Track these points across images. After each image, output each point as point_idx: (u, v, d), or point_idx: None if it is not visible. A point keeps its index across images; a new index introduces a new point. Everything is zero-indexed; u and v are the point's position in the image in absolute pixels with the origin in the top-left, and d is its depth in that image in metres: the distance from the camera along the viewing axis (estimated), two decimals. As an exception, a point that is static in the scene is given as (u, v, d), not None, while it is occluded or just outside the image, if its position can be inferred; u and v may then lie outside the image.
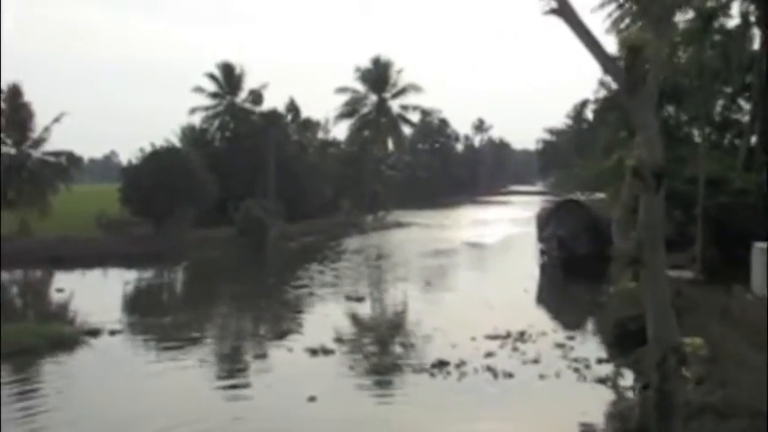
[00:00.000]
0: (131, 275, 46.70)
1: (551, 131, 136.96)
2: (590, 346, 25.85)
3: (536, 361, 23.30)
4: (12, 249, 53.48)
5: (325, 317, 31.46)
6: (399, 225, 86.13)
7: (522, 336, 26.69)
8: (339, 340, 26.78)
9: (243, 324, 32.09)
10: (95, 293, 41.16)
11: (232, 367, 24.75)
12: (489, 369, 22.21)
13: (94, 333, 28.05)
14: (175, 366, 24.00)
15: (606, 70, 14.36)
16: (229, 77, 79.12)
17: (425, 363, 22.89)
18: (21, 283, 47.87)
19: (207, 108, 79.12)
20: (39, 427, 18.34)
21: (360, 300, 35.93)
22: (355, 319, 32.23)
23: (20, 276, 49.15)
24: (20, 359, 24.42)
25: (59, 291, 40.73)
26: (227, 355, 26.43)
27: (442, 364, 22.65)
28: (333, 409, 19.28)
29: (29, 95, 62.02)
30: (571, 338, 26.50)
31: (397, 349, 25.57)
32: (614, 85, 35.99)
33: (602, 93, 38.27)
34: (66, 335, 27.11)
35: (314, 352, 24.72)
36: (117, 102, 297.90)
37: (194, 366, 23.91)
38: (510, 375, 21.69)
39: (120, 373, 23.27)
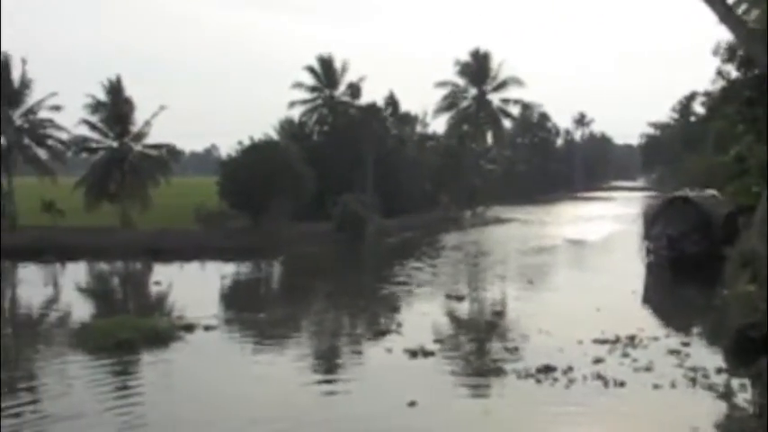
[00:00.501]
0: (228, 269, 46.51)
1: (655, 125, 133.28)
2: (706, 353, 24.07)
3: (648, 369, 21.70)
4: (113, 241, 54.28)
5: (424, 316, 30.36)
6: (498, 221, 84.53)
7: (632, 340, 25.10)
8: (439, 341, 25.70)
9: (340, 322, 31.17)
10: (192, 287, 41.04)
11: (329, 367, 23.84)
12: (599, 377, 20.75)
13: (189, 328, 27.54)
14: (271, 365, 23.31)
15: (749, 50, 12.94)
16: (328, 71, 78.83)
17: (530, 367, 21.59)
18: (121, 274, 48.25)
19: (305, 101, 79.04)
20: (138, 423, 17.95)
21: (460, 298, 34.75)
22: (455, 318, 31.12)
23: (120, 268, 49.56)
24: (115, 353, 24.12)
25: (156, 284, 40.72)
26: (324, 354, 25.57)
27: (548, 370, 21.32)
28: (433, 416, 18.18)
29: (131, 90, 62.87)
30: (686, 345, 24.76)
31: (500, 352, 24.28)
32: (734, 75, 34.32)
33: (719, 84, 35.97)
34: (160, 329, 26.61)
35: (413, 353, 23.65)
36: (219, 96, 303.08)
37: (290, 366, 23.18)
38: (621, 384, 20.20)
39: (213, 371, 22.67)
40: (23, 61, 61.68)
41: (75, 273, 47.43)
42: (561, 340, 24.73)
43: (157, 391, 20.52)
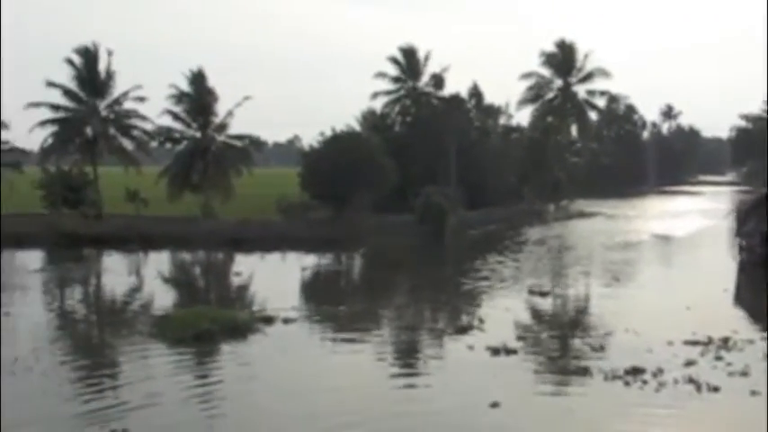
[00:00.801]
0: (309, 260, 46.33)
1: (747, 118, 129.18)
2: (808, 358, 22.87)
3: (745, 373, 20.59)
4: (195, 231, 54.67)
5: (507, 312, 29.62)
6: (582, 215, 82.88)
7: (725, 343, 23.96)
8: (522, 338, 25.00)
9: (421, 316, 30.49)
10: (272, 278, 40.90)
11: (410, 364, 23.32)
12: (691, 380, 19.77)
13: (269, 320, 27.33)
14: (350, 360, 22.96)
15: None
16: (411, 61, 78.11)
17: (618, 368, 20.71)
18: (202, 264, 48.51)
19: (388, 92, 78.47)
20: (216, 413, 17.90)
21: (543, 294, 33.82)
22: (538, 315, 30.29)
23: (202, 258, 49.85)
24: (193, 344, 24.02)
25: (237, 274, 40.73)
26: (405, 349, 25.05)
27: (636, 371, 20.42)
28: (517, 419, 17.54)
29: (214, 81, 63.14)
30: (785, 348, 23.59)
31: (586, 351, 23.42)
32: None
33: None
34: (240, 321, 26.44)
35: (495, 351, 22.96)
36: (302, 87, 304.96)
37: (370, 361, 22.79)
38: (715, 389, 19.20)
39: (292, 363, 22.42)
40: (109, 53, 62.52)
41: (158, 262, 47.89)
42: (649, 340, 23.79)
43: (235, 383, 20.34)
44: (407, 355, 24.35)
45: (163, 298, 34.10)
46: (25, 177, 66.91)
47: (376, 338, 25.82)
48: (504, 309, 30.27)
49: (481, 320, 27.62)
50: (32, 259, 48.22)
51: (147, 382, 20.13)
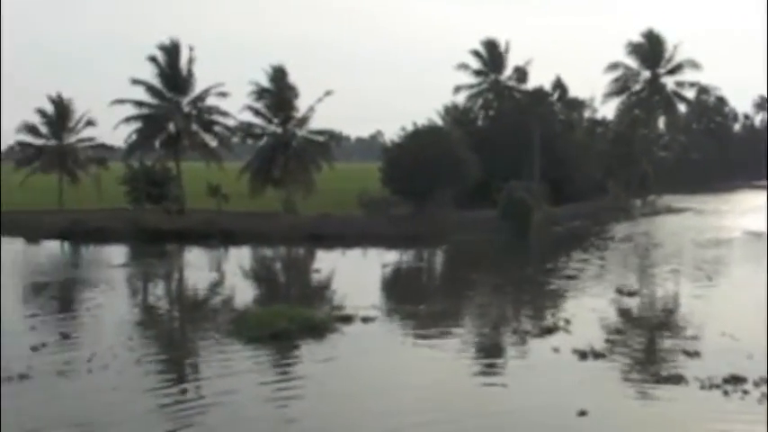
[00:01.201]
0: (389, 257, 45.65)
1: None
2: None
3: None
4: (276, 227, 54.46)
5: (593, 312, 28.39)
6: (671, 210, 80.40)
7: (833, 348, 22.46)
8: (610, 341, 23.80)
9: (504, 316, 29.38)
10: (352, 275, 40.25)
11: (493, 364, 22.38)
12: (799, 391, 18.42)
13: (347, 319, 26.64)
14: (431, 360, 22.09)
15: None
16: (493, 55, 76.93)
17: (715, 376, 19.39)
18: (282, 260, 48.21)
19: (471, 86, 77.43)
20: (292, 415, 17.33)
21: (631, 294, 32.41)
22: (627, 316, 28.95)
23: (282, 254, 49.57)
24: (270, 343, 23.49)
25: (316, 271, 40.24)
26: (488, 350, 24.08)
27: (736, 380, 19.08)
28: (606, 428, 16.49)
29: (296, 77, 63.04)
30: None
31: (679, 356, 22.11)
32: None
33: None
34: (317, 320, 25.82)
35: (583, 354, 21.85)
36: (385, 82, 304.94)
37: (452, 361, 21.92)
38: (827, 401, 17.83)
39: (370, 364, 21.75)
40: (191, 49, 62.81)
41: (239, 257, 47.78)
42: (749, 345, 22.36)
43: (310, 383, 19.69)
44: (490, 356, 23.41)
45: (242, 294, 33.80)
46: (110, 173, 67.98)
47: (457, 338, 24.85)
48: (590, 309, 29.02)
49: (567, 321, 26.44)
50: (116, 254, 48.54)
51: (224, 380, 19.73)
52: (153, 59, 61.89)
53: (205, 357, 22.70)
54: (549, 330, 25.24)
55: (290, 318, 25.29)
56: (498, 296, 33.51)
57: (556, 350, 22.50)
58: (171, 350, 24.12)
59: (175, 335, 26.47)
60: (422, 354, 23.02)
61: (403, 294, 34.54)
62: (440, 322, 27.18)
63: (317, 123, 63.78)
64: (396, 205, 60.13)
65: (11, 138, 68.50)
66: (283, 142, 62.22)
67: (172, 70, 62.16)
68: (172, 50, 62.11)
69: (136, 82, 61.83)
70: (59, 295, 34.88)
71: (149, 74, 62.28)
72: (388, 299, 33.33)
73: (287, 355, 22.92)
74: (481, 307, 30.94)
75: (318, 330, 25.01)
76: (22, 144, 69.88)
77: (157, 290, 37.59)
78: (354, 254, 49.04)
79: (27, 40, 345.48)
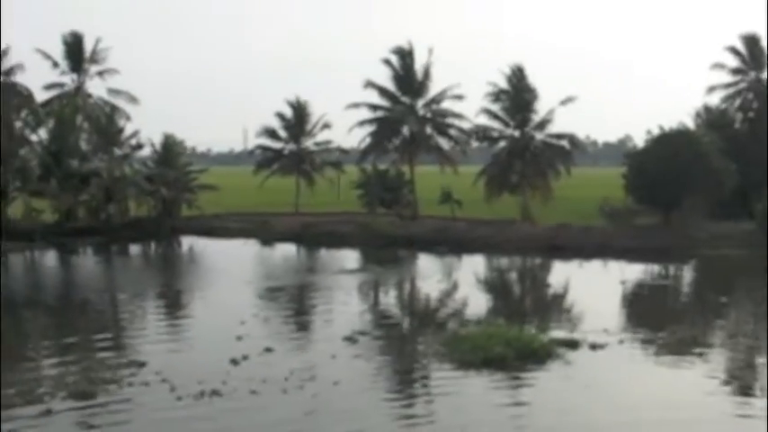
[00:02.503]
0: (630, 271, 41.43)
1: None
2: None
3: None
4: (509, 235, 51.89)
5: None
6: None
7: None
8: None
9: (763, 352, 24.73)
10: (585, 291, 36.35)
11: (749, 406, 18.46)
12: None
13: (573, 344, 23.42)
14: (671, 407, 18.18)
15: None
16: (754, 51, 70.14)
17: None
18: (514, 272, 45.34)
19: (727, 86, 71.04)
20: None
21: None
22: None
23: (515, 264, 46.78)
24: (482, 369, 20.87)
25: (546, 286, 37.14)
26: (742, 390, 20.00)
27: None
28: None
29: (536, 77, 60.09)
30: None
31: None
32: None
33: None
34: (538, 344, 22.78)
35: None
36: (634, 84, 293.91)
37: (700, 399, 18.28)
38: None
39: (592, 403, 18.56)
40: (430, 51, 61.51)
41: (470, 266, 45.68)
42: None
43: (522, 421, 17.10)
44: (744, 393, 19.43)
45: (467, 309, 31.48)
46: (346, 176, 68.13)
47: (704, 376, 20.97)
48: None
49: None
50: (348, 259, 47.83)
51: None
52: (387, 62, 61.13)
53: (405, 387, 20.39)
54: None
55: (508, 341, 22.52)
56: (759, 326, 28.48)
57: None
58: (377, 373, 21.79)
59: (386, 354, 24.09)
60: (656, 394, 19.32)
61: (641, 317, 30.42)
62: (682, 355, 23.19)
63: (557, 127, 60.62)
64: (640, 215, 55.63)
65: (252, 141, 70.20)
66: (521, 146, 59.41)
67: (406, 72, 61.13)
68: (406, 53, 61.07)
69: (369, 85, 61.24)
70: (285, 302, 34.18)
71: (383, 77, 61.63)
72: (624, 321, 29.48)
73: (498, 386, 20.11)
74: (735, 337, 26.26)
75: (538, 357, 22.05)
76: (261, 147, 71.23)
77: (384, 300, 35.74)
78: (592, 267, 45.28)
79: (264, 47, 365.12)
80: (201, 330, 27.42)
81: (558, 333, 24.90)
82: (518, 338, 22.81)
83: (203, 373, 20.27)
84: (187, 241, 59.30)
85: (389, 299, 36.09)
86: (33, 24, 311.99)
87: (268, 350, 23.22)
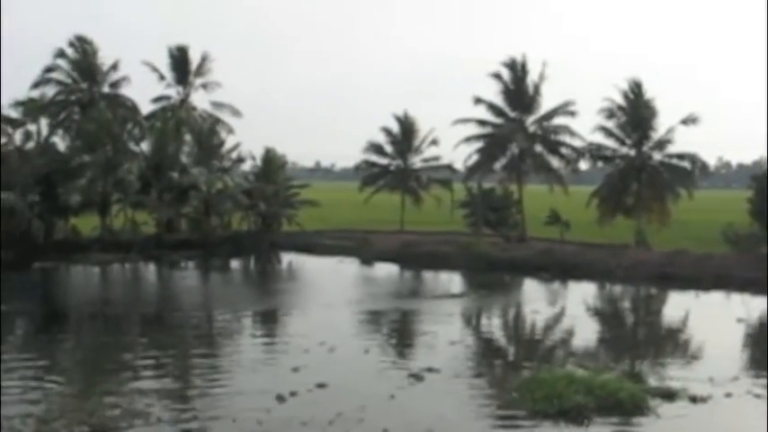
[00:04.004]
0: (752, 306, 37.38)
1: None
2: None
3: None
4: (620, 261, 48.32)
5: None
6: None
7: None
8: None
9: None
10: (694, 328, 32.46)
11: None
12: None
13: (669, 396, 20.12)
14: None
15: None
16: None
17: None
18: (619, 303, 41.69)
19: None
20: None
21: None
22: None
23: (622, 294, 43.22)
24: (557, 421, 18.09)
25: (650, 323, 33.54)
26: None
27: None
28: None
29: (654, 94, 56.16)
30: None
31: None
32: None
33: None
34: (625, 395, 19.58)
35: None
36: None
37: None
38: None
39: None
40: (544, 65, 58.62)
41: (573, 295, 42.37)
42: None
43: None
44: None
45: (562, 345, 28.80)
46: (453, 194, 65.70)
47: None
48: None
49: None
50: (450, 283, 45.56)
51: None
52: (497, 76, 58.36)
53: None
54: None
55: (590, 389, 19.57)
56: None
57: None
58: (436, 418, 19.11)
59: (450, 396, 21.23)
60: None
61: (757, 364, 26.44)
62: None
63: (680, 146, 56.44)
64: (765, 243, 51.03)
65: (357, 156, 68.53)
66: (637, 166, 55.61)
67: (517, 87, 58.23)
68: (517, 67, 58.17)
69: (478, 101, 58.64)
70: (373, 327, 31.85)
71: (493, 92, 58.93)
72: (734, 368, 25.53)
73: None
74: None
75: (625, 409, 18.98)
76: (367, 163, 69.45)
77: (485, 329, 32.99)
78: (709, 300, 40.85)
79: (377, 63, 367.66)
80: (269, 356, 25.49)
81: (653, 380, 21.73)
82: (603, 386, 19.78)
83: (239, 410, 18.25)
84: (286, 258, 57.81)
85: (478, 331, 32.97)
86: (142, 39, 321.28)
87: (321, 386, 20.90)
